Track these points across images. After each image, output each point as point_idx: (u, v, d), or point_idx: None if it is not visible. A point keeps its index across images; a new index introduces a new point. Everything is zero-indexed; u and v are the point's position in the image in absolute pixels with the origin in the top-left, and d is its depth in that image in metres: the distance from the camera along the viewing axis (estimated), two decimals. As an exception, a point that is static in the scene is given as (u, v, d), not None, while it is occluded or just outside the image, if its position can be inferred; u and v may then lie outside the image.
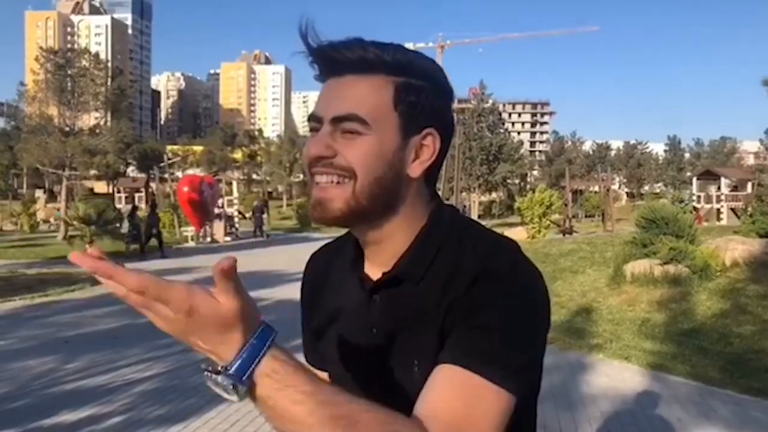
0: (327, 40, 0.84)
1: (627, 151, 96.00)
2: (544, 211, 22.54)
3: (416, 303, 0.85)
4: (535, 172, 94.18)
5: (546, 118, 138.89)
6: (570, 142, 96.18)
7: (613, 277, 9.44)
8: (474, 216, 52.41)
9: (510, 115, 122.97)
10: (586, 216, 51.99)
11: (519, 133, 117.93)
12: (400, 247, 0.87)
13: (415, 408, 0.74)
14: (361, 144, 0.82)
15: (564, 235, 24.29)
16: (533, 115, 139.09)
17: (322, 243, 1.08)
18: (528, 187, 65.84)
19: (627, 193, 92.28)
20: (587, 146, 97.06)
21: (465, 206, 53.16)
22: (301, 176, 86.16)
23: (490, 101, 59.44)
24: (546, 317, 0.83)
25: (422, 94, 0.84)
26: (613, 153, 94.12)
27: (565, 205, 29.34)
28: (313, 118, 0.86)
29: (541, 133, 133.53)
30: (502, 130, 58.88)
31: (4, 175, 70.17)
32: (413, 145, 0.85)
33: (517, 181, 70.72)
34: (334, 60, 0.84)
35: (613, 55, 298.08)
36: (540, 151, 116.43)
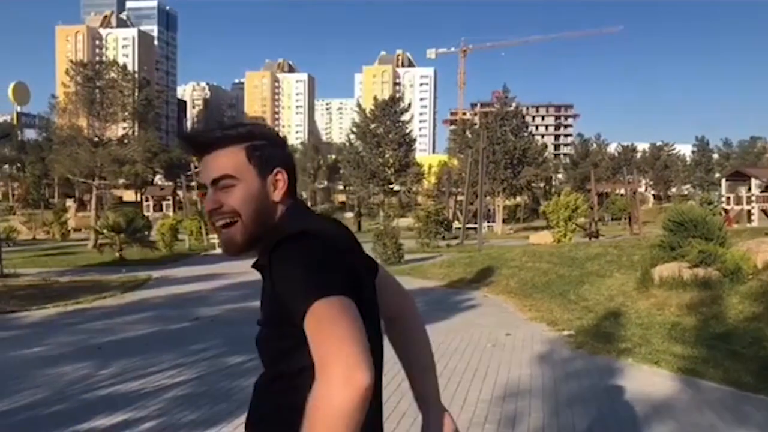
0: (194, 130, 1.34)
1: (653, 153, 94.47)
2: (569, 214, 22.36)
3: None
4: (559, 176, 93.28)
5: (570, 121, 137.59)
6: (595, 145, 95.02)
7: (641, 280, 9.32)
8: (498, 220, 52.00)
9: (533, 118, 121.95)
10: (612, 219, 51.37)
11: (543, 136, 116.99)
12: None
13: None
14: (236, 192, 1.23)
15: (590, 238, 24.05)
16: (557, 117, 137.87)
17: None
18: (553, 190, 65.23)
19: (654, 195, 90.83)
20: (612, 148, 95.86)
21: (489, 210, 52.78)
22: (325, 182, 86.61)
23: (514, 105, 59.09)
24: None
25: (264, 149, 1.26)
26: (639, 155, 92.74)
27: (591, 208, 29.04)
28: (201, 186, 1.10)
29: (566, 135, 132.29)
30: (525, 134, 58.42)
31: (36, 185, 71.82)
32: (270, 181, 1.26)
33: (541, 185, 70.13)
34: (201, 144, 1.27)
35: (638, 55, 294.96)
36: (564, 155, 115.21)
